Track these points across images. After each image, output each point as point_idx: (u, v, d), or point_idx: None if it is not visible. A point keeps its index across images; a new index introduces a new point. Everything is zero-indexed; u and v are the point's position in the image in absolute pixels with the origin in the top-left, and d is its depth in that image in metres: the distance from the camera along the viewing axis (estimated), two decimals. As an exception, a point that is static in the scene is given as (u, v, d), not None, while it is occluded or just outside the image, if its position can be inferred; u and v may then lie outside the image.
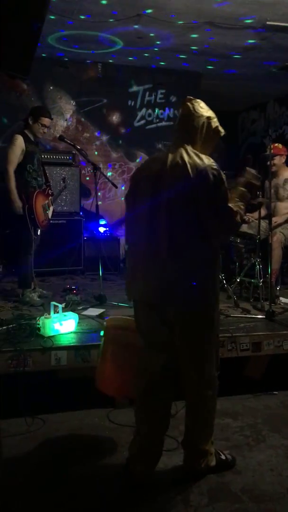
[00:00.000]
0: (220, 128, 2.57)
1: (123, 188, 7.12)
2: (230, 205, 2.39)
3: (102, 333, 2.91)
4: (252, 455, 2.88)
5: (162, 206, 2.36)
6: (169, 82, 7.19)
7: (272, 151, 4.87)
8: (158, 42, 5.78)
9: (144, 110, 7.22)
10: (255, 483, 2.61)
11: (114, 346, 2.75)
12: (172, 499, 2.47)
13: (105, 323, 2.95)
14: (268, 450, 2.94)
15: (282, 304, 4.62)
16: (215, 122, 2.55)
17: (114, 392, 2.93)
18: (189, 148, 2.44)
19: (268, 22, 4.95)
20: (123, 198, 7.11)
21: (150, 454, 2.59)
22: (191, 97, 2.58)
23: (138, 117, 7.20)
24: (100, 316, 4.07)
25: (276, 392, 3.71)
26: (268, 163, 4.30)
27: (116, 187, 5.56)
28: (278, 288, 4.85)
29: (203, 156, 2.42)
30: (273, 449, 2.95)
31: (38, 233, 4.57)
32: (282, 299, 4.74)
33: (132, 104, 7.14)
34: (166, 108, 7.30)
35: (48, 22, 4.95)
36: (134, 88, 7.12)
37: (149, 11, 4.79)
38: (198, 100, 2.57)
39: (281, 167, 5.09)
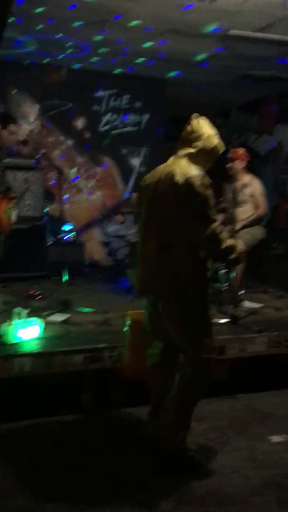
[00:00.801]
0: (220, 146, 2.78)
1: (89, 193, 7.10)
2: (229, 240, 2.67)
3: (125, 326, 3.21)
4: (217, 458, 2.90)
5: (155, 211, 2.65)
6: (134, 88, 7.22)
7: (232, 155, 4.97)
8: (123, 48, 5.80)
9: (109, 115, 7.22)
10: (219, 486, 2.63)
11: (133, 336, 3.14)
12: (137, 504, 2.46)
13: (127, 317, 3.24)
14: (232, 453, 2.97)
15: (246, 308, 4.69)
16: (215, 139, 2.77)
17: (135, 377, 3.15)
18: (185, 160, 2.68)
19: (230, 31, 5.05)
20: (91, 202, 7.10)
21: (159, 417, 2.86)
22: (197, 114, 2.86)
23: (103, 122, 7.19)
24: (65, 322, 4.03)
25: (240, 395, 3.76)
26: (228, 166, 4.38)
27: (80, 192, 5.52)
28: (242, 292, 4.92)
29: (194, 167, 2.64)
30: (237, 451, 2.99)
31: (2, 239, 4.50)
32: (246, 303, 4.81)
33: (97, 109, 7.13)
34: (131, 114, 7.32)
35: (11, 25, 4.93)
36: (99, 93, 7.11)
37: (114, 17, 4.80)
38: (203, 117, 2.83)
39: (240, 172, 5.17)
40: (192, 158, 2.69)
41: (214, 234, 2.57)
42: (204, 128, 2.77)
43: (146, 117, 7.39)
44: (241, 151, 5.19)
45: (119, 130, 7.29)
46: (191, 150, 2.71)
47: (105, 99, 7.15)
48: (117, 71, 6.86)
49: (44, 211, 6.32)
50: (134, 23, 4.93)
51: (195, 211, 2.55)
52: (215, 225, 2.57)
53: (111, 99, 7.19)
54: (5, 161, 4.57)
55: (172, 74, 6.89)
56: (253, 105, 8.51)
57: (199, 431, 3.19)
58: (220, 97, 8.22)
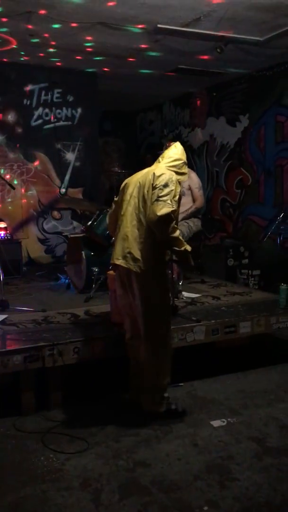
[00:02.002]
0: (185, 170, 3.34)
1: (24, 190, 6.94)
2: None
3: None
4: (160, 447, 2.95)
5: (136, 197, 3.20)
6: (66, 82, 7.11)
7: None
8: (52, 41, 5.69)
9: (41, 109, 7.07)
10: (164, 474, 2.68)
11: (112, 288, 3.79)
12: (82, 499, 2.46)
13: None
14: (175, 441, 3.03)
15: (184, 298, 4.78)
16: (185, 168, 3.32)
17: (121, 321, 3.58)
18: (162, 164, 3.27)
19: (158, 25, 5.09)
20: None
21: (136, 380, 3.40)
22: (178, 142, 3.46)
23: (35, 117, 7.03)
24: (2, 322, 3.93)
25: (182, 384, 3.84)
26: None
27: (14, 188, 5.39)
28: (180, 284, 5.01)
29: (169, 169, 3.21)
30: (180, 439, 3.06)
31: None
32: (185, 294, 4.91)
33: (28, 103, 6.96)
34: (64, 108, 7.22)
35: None
36: (30, 87, 6.94)
37: (40, 9, 4.70)
38: (181, 146, 3.39)
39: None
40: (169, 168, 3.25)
41: (168, 218, 3.01)
42: (183, 155, 3.34)
43: (79, 111, 7.31)
44: (175, 144, 5.26)
45: (51, 125, 7.16)
46: (170, 163, 3.26)
47: (36, 93, 7.00)
48: (47, 64, 6.73)
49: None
50: (61, 16, 4.85)
51: (158, 193, 3.04)
52: (173, 212, 3.03)
53: (42, 93, 7.05)
54: None
55: (104, 67, 6.85)
56: (185, 99, 8.65)
57: (142, 421, 3.23)
58: (153, 91, 8.29)
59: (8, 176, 6.71)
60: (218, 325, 3.99)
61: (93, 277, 4.80)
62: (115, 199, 3.46)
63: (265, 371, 4.14)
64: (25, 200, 7.02)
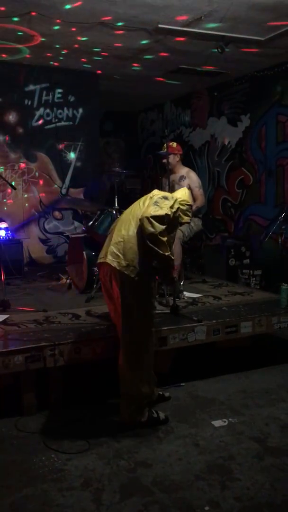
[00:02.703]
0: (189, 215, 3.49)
1: (25, 190, 6.94)
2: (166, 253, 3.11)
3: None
4: (161, 447, 2.95)
5: (134, 209, 3.24)
6: (67, 82, 7.12)
7: (166, 149, 5.03)
8: (54, 42, 5.69)
9: (42, 109, 7.08)
10: (165, 474, 2.68)
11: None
12: (84, 500, 2.46)
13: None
14: (176, 441, 3.03)
15: (185, 298, 4.78)
16: (189, 212, 3.45)
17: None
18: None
19: (159, 25, 5.09)
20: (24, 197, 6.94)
21: None
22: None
23: (36, 117, 7.04)
24: (3, 322, 3.93)
25: (183, 384, 3.84)
26: (164, 161, 4.42)
27: (15, 188, 5.40)
28: (181, 284, 5.01)
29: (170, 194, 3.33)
30: (181, 439, 3.06)
31: None
32: (186, 294, 4.91)
33: (29, 103, 6.97)
34: (65, 108, 7.22)
35: None
36: (30, 87, 6.95)
37: (40, 9, 4.70)
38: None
39: (176, 165, 5.28)
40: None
41: (159, 219, 3.03)
42: (189, 198, 3.48)
43: (80, 111, 7.31)
44: (174, 144, 5.27)
45: (53, 125, 7.17)
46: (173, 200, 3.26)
47: (37, 93, 7.00)
48: (48, 65, 6.73)
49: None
50: (62, 16, 4.85)
51: (156, 199, 3.12)
52: (167, 215, 3.07)
53: (43, 93, 7.05)
54: None
55: (105, 67, 6.85)
56: (186, 99, 8.65)
57: (143, 422, 3.23)
58: (154, 91, 8.29)
59: (8, 177, 6.72)
60: (219, 325, 3.98)
61: (94, 277, 4.80)
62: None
63: (267, 371, 4.14)
64: (26, 200, 7.03)
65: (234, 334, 4.06)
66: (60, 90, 7.14)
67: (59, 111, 7.19)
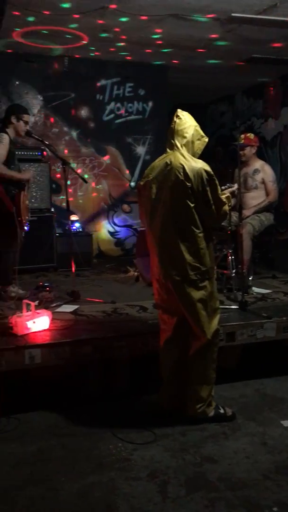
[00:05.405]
0: (203, 134, 3.08)
1: (95, 184, 7.08)
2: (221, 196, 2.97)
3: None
4: (228, 444, 2.92)
5: (168, 203, 2.92)
6: (137, 76, 7.15)
7: (243, 141, 4.90)
8: (123, 36, 5.73)
9: (112, 104, 7.17)
10: (231, 471, 2.65)
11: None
12: (150, 490, 2.48)
13: None
14: (243, 438, 2.98)
15: (254, 294, 4.68)
16: (200, 130, 3.06)
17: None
18: (184, 152, 2.96)
19: (233, 14, 4.97)
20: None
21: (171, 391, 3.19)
22: (180, 109, 3.08)
23: (107, 111, 7.14)
24: (73, 313, 4.04)
25: (251, 381, 3.76)
26: (241, 152, 4.30)
27: (86, 182, 5.51)
28: (250, 279, 4.90)
29: (196, 160, 2.96)
30: (248, 436, 3.00)
31: (23, 233, 4.53)
32: (255, 289, 4.80)
33: (101, 98, 7.08)
34: (135, 102, 7.27)
35: (10, 16, 4.89)
36: (102, 82, 7.06)
37: (113, 4, 4.74)
38: (185, 112, 3.08)
39: (251, 158, 5.14)
40: (188, 149, 2.99)
41: (225, 214, 3.03)
42: (192, 120, 3.05)
43: (149, 104, 7.33)
44: (251, 136, 5.14)
45: (123, 119, 7.24)
46: (185, 141, 2.99)
47: (108, 87, 7.10)
48: (119, 59, 6.80)
49: (50, 202, 6.31)
50: (134, 10, 4.87)
51: (206, 199, 2.89)
52: (226, 207, 3.00)
53: (114, 87, 7.14)
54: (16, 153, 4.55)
55: (175, 60, 6.81)
56: (258, 89, 8.40)
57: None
58: (224, 82, 8.12)
59: (79, 170, 6.88)
60: (290, 323, 3.86)
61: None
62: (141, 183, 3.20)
63: None
64: (96, 194, 7.17)
65: (305, 332, 3.92)
66: (130, 84, 7.19)
67: (129, 104, 7.25)
